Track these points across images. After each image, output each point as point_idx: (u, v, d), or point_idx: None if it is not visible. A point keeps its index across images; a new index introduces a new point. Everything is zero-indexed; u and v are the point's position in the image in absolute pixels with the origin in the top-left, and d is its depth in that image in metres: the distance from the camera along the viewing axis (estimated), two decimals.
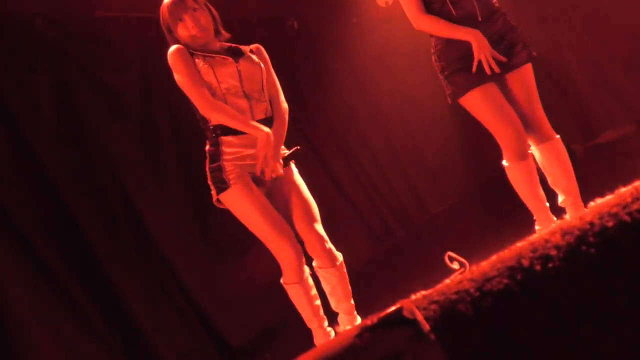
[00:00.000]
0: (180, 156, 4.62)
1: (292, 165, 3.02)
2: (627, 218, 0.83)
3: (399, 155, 6.06)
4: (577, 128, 5.34)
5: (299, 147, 3.04)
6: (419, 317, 0.80)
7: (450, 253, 0.97)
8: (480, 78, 2.81)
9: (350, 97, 5.92)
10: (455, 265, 0.99)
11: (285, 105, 3.01)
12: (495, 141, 2.98)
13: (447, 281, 0.85)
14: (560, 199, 2.95)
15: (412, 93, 6.08)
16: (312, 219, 2.94)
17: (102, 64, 4.40)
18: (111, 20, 4.50)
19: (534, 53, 2.96)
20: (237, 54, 2.96)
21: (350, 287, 3.08)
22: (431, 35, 2.96)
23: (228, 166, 2.83)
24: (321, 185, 5.15)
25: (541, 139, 2.92)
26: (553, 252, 0.83)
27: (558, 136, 2.97)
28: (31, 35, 4.00)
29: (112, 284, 3.82)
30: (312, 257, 2.98)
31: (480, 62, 2.81)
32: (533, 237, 0.88)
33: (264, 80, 2.97)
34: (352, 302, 3.10)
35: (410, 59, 5.99)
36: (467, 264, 0.93)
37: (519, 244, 0.88)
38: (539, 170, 3.04)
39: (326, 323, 3.08)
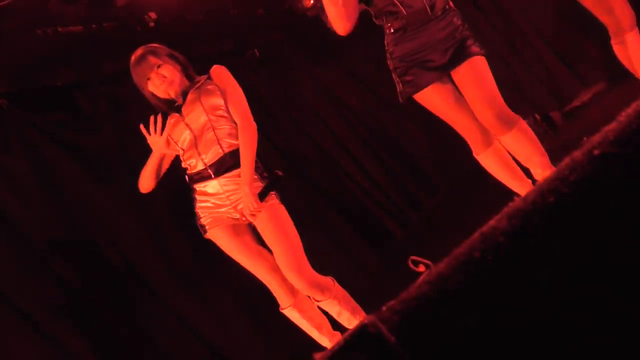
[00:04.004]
0: (171, 203, 4.61)
1: (271, 204, 2.90)
2: (566, 190, 0.83)
3: (384, 157, 6.06)
4: (550, 96, 5.35)
5: (279, 173, 2.99)
6: (384, 330, 0.80)
7: (413, 257, 0.96)
8: (432, 75, 2.81)
9: (325, 110, 5.94)
10: (421, 269, 0.99)
11: (248, 128, 2.94)
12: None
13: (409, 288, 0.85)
14: (536, 176, 2.94)
15: (384, 92, 6.09)
16: (292, 262, 2.85)
17: (74, 129, 4.40)
18: (75, 85, 4.52)
19: (481, 48, 2.91)
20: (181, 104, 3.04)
21: (356, 304, 3.06)
22: (385, 34, 2.95)
23: (201, 213, 2.98)
24: (313, 203, 5.16)
25: (505, 129, 2.85)
26: (502, 239, 0.83)
27: (519, 118, 2.93)
28: None
29: (123, 344, 3.80)
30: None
31: (428, 60, 2.81)
32: (484, 227, 0.88)
33: (210, 115, 2.97)
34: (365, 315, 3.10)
35: (374, 60, 6.01)
36: (432, 265, 0.92)
37: (472, 236, 0.88)
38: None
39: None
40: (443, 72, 2.82)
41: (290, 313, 2.97)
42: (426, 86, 2.82)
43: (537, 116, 5.10)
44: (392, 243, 5.54)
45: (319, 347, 3.16)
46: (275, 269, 2.90)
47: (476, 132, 2.87)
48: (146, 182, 3.13)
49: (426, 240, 4.94)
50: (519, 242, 0.83)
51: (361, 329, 0.81)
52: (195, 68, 3.24)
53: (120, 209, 4.32)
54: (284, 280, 2.91)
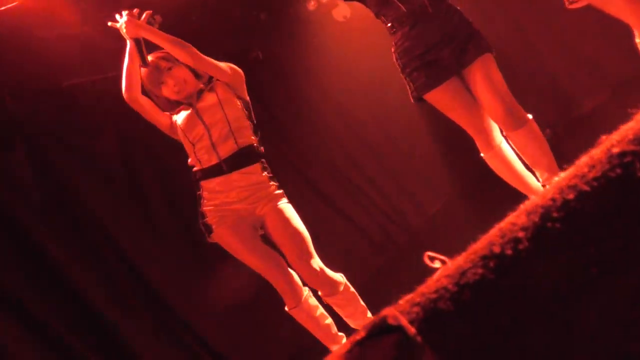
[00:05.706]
0: (171, 203, 4.63)
1: (281, 202, 3.01)
2: (586, 188, 0.84)
3: (384, 161, 6.06)
4: (554, 105, 5.36)
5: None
6: (404, 322, 0.81)
7: (429, 253, 0.97)
8: (441, 75, 2.83)
9: (327, 114, 5.95)
10: (437, 264, 1.00)
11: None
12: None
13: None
14: (542, 177, 2.95)
15: (386, 96, 6.10)
16: (303, 254, 2.96)
17: (77, 131, 4.41)
18: (79, 87, 4.53)
19: (490, 46, 2.95)
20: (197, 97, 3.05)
21: (363, 304, 3.10)
22: (392, 34, 2.96)
23: (208, 212, 2.96)
24: (314, 206, 5.16)
25: (515, 125, 2.89)
26: (521, 234, 0.84)
27: (531, 116, 2.98)
28: (2, 115, 4.01)
29: (118, 337, 3.80)
30: (315, 289, 3.01)
31: (437, 60, 2.82)
32: (501, 223, 0.90)
33: (225, 111, 3.01)
34: (370, 316, 3.12)
35: (377, 64, 6.02)
36: (448, 261, 0.93)
37: (489, 232, 0.89)
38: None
39: (344, 340, 3.08)
40: (453, 72, 2.85)
41: (297, 313, 2.99)
42: (436, 86, 2.84)
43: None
44: (393, 248, 5.54)
45: (319, 349, 3.17)
46: (284, 269, 2.93)
47: (484, 132, 2.91)
48: (133, 80, 2.98)
49: (428, 246, 4.94)
50: (537, 237, 0.84)
51: (381, 320, 0.82)
52: None
53: (121, 209, 4.34)
54: (291, 281, 2.93)
